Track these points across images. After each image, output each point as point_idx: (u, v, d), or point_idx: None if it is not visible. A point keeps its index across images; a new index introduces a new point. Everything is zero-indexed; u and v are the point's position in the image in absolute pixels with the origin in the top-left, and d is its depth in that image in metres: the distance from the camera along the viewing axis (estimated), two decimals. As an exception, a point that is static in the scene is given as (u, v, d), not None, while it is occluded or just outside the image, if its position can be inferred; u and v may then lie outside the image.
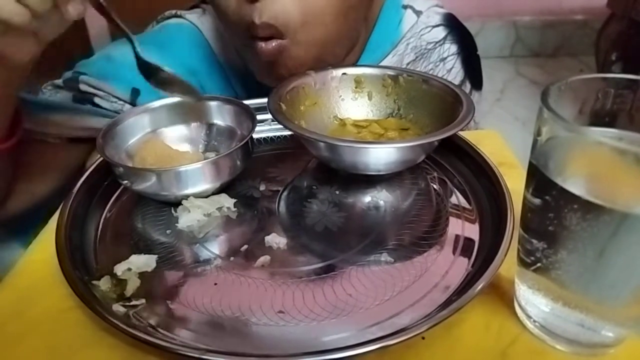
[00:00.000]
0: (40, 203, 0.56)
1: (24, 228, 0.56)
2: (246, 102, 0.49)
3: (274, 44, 0.48)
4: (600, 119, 0.29)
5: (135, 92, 0.58)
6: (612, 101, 0.28)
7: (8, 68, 0.42)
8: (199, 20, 0.63)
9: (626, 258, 0.26)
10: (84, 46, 1.48)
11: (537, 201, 0.28)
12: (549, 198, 0.27)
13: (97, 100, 0.58)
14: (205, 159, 0.45)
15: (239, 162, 0.43)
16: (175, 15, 0.64)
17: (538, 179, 0.28)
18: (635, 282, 0.26)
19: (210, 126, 0.49)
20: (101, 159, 0.45)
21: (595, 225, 0.25)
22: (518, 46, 2.05)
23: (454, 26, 0.66)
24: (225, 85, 0.64)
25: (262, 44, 0.48)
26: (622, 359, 0.30)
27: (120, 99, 0.58)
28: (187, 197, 0.42)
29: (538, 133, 0.27)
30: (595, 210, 0.25)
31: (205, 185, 0.42)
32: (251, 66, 0.55)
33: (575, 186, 0.25)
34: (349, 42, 0.57)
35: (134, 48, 0.44)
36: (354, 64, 0.61)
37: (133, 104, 0.59)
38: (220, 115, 0.49)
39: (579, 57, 2.00)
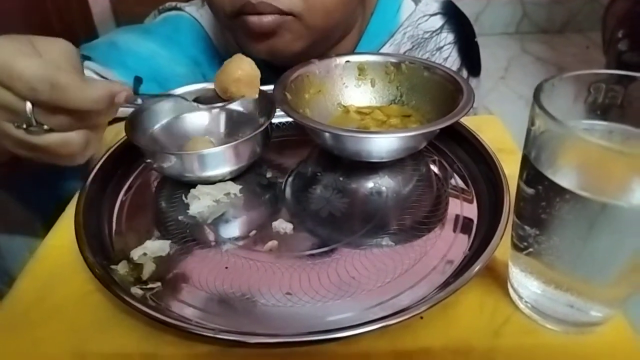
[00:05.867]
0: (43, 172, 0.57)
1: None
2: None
3: (271, 17, 0.49)
4: (593, 112, 0.30)
5: (138, 81, 0.59)
6: (604, 95, 0.29)
7: None
8: (197, 12, 0.64)
9: (611, 244, 0.27)
10: (88, 25, 1.48)
11: (530, 191, 0.29)
12: (541, 188, 0.28)
13: None
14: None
15: (258, 148, 0.45)
16: (175, 8, 0.65)
17: (530, 170, 0.29)
18: (619, 264, 0.28)
19: (230, 112, 0.50)
20: (121, 142, 0.48)
21: (583, 215, 0.27)
22: (524, 22, 2.03)
23: (452, 14, 0.66)
24: None
25: (257, 18, 0.49)
26: (607, 336, 0.32)
27: None
28: (209, 178, 0.44)
29: (532, 124, 0.29)
30: (583, 201, 0.26)
31: (226, 167, 0.44)
32: (243, 43, 0.55)
33: (565, 178, 0.27)
34: (345, 27, 0.58)
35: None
36: (356, 52, 0.62)
37: (135, 92, 0.60)
38: (241, 101, 0.50)
39: (585, 33, 1.98)
